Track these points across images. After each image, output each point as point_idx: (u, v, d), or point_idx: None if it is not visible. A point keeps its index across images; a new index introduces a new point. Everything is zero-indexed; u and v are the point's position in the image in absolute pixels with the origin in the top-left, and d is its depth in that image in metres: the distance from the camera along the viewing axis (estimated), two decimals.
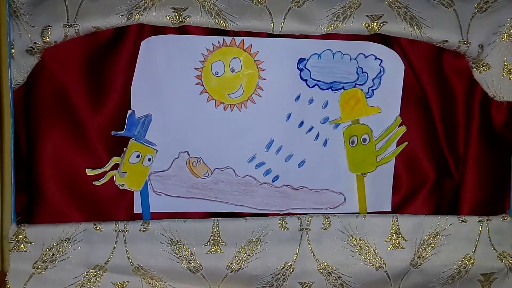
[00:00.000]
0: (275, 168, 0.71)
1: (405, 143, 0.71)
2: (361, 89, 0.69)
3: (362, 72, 0.69)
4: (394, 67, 0.69)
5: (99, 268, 0.66)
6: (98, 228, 0.65)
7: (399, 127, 0.70)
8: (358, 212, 0.71)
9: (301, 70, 0.69)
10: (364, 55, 0.69)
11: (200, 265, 0.67)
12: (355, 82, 0.69)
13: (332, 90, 0.69)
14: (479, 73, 0.69)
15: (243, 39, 0.68)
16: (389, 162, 0.71)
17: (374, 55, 0.69)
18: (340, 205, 0.72)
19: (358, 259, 0.68)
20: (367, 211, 0.71)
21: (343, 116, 0.70)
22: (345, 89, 0.70)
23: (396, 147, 0.71)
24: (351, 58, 0.69)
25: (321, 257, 0.68)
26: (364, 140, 0.70)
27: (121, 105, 0.68)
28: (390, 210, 0.72)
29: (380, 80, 0.69)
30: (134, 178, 0.68)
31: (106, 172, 0.67)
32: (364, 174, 0.71)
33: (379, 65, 0.69)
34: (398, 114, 0.70)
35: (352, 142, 0.70)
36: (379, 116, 0.70)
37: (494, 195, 0.72)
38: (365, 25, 0.64)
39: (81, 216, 0.68)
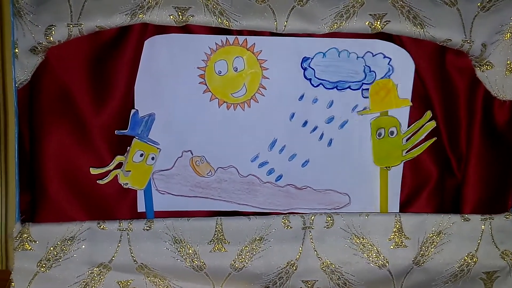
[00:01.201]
0: (278, 168, 0.71)
1: (434, 139, 0.69)
2: (366, 94, 0.69)
3: (370, 71, 0.68)
4: (404, 65, 0.69)
5: (103, 266, 0.66)
6: (102, 227, 0.66)
7: (428, 122, 0.69)
8: (363, 212, 0.71)
9: (305, 69, 0.69)
10: (372, 53, 0.68)
11: (204, 264, 0.67)
12: (362, 81, 0.69)
13: (338, 89, 0.69)
14: (482, 72, 0.69)
15: (246, 38, 0.68)
16: (399, 164, 0.70)
17: (383, 54, 0.68)
18: (345, 205, 0.72)
19: (361, 258, 0.68)
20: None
21: (372, 107, 0.68)
22: (351, 89, 0.69)
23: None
24: (358, 57, 0.68)
25: (324, 255, 0.68)
26: (392, 133, 0.68)
27: (124, 104, 0.68)
28: (398, 211, 0.72)
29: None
30: (138, 177, 0.68)
31: (110, 171, 0.67)
32: (389, 167, 0.70)
33: (388, 63, 0.68)
34: (408, 114, 0.70)
35: (379, 135, 0.69)
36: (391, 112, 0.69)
37: (496, 193, 0.73)
38: (368, 24, 0.65)
39: (85, 215, 0.69)
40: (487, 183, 0.72)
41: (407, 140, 0.69)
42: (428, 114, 0.69)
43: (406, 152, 0.70)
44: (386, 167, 0.70)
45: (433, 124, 0.68)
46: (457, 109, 0.72)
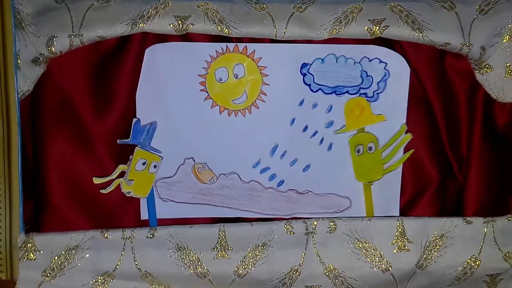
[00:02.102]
0: (280, 173, 0.71)
1: (411, 151, 0.71)
2: (366, 98, 0.69)
3: (367, 76, 0.69)
4: (400, 70, 0.69)
5: (107, 275, 0.67)
6: (105, 235, 0.66)
7: (405, 134, 0.70)
8: (365, 216, 0.71)
9: (304, 74, 0.69)
10: (369, 58, 0.69)
11: (207, 271, 0.67)
12: (360, 86, 0.69)
13: (336, 94, 0.70)
14: (482, 74, 0.69)
15: (246, 45, 0.68)
16: (397, 169, 0.71)
17: (379, 59, 0.69)
18: (346, 209, 0.72)
19: (364, 262, 0.68)
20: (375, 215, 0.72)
21: (348, 125, 0.70)
22: (349, 93, 0.70)
23: (403, 154, 0.71)
24: (355, 62, 0.69)
25: (327, 260, 0.68)
26: (370, 148, 0.70)
27: (126, 113, 0.68)
28: (398, 215, 0.72)
29: (386, 83, 0.69)
30: (141, 185, 0.68)
31: (112, 180, 0.67)
32: (371, 182, 0.71)
33: (384, 68, 0.69)
34: (405, 118, 0.70)
35: (358, 151, 0.70)
36: (385, 121, 0.70)
37: (498, 196, 0.72)
38: (367, 29, 0.65)
39: (88, 223, 0.69)
40: (489, 185, 0.72)
41: (386, 154, 0.71)
42: (403, 127, 0.70)
43: (387, 166, 0.71)
44: (368, 182, 0.71)
45: (409, 136, 0.70)
46: (458, 112, 0.72)
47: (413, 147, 0.71)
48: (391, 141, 0.71)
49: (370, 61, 0.69)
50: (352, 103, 0.70)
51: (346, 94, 0.70)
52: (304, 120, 0.70)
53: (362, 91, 0.70)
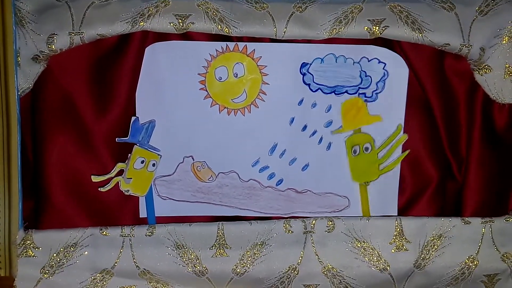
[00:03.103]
0: (279, 172, 0.71)
1: (407, 151, 0.71)
2: (364, 98, 0.70)
3: (366, 76, 0.69)
4: (398, 70, 0.70)
5: (105, 272, 0.67)
6: (104, 233, 0.66)
7: (401, 134, 0.71)
8: (363, 216, 0.72)
9: (304, 74, 0.69)
10: (368, 58, 0.69)
11: (206, 269, 0.67)
12: (359, 86, 0.70)
13: (336, 94, 0.70)
14: (481, 75, 0.69)
15: (246, 45, 0.68)
16: (394, 169, 0.71)
17: (378, 59, 0.69)
18: (344, 208, 0.72)
19: (362, 262, 0.69)
20: (372, 215, 0.72)
21: (344, 126, 0.70)
22: (348, 93, 0.70)
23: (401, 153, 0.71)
24: (354, 62, 0.69)
25: (326, 259, 0.69)
26: (366, 149, 0.70)
27: (126, 111, 0.69)
28: (396, 214, 0.72)
29: (384, 83, 0.70)
30: (139, 183, 0.69)
31: (111, 178, 0.67)
32: (367, 183, 0.71)
33: (383, 68, 0.69)
34: (403, 118, 0.71)
35: (354, 152, 0.70)
36: (383, 121, 0.70)
37: (496, 196, 0.73)
38: (367, 29, 0.65)
39: (87, 221, 0.69)
40: (488, 186, 0.72)
41: (382, 155, 0.71)
42: (399, 127, 0.70)
43: (383, 167, 0.71)
44: (364, 183, 0.72)
45: (405, 137, 0.70)
46: (457, 113, 0.73)
47: (412, 147, 0.72)
48: (388, 141, 0.71)
49: (369, 61, 0.69)
50: (348, 104, 0.70)
51: (345, 93, 0.70)
52: (303, 120, 0.70)
53: (361, 91, 0.70)
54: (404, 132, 0.71)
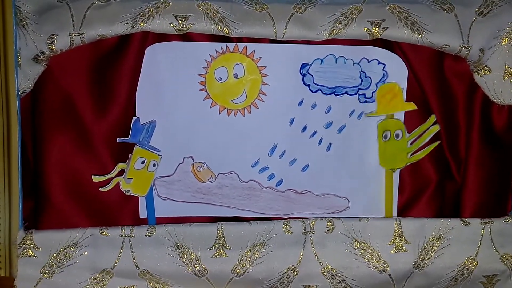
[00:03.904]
0: (278, 173, 0.71)
1: (437, 142, 0.70)
2: (364, 98, 0.70)
3: (366, 77, 0.70)
4: (397, 71, 0.70)
5: (105, 272, 0.67)
6: (104, 233, 0.66)
7: (433, 125, 0.70)
8: (363, 216, 0.71)
9: (304, 75, 0.69)
10: (367, 59, 0.69)
11: (205, 269, 0.67)
12: (359, 87, 0.70)
13: (335, 95, 0.70)
14: (480, 76, 0.69)
15: (246, 45, 0.68)
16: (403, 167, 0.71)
17: (377, 60, 0.69)
18: (344, 209, 0.72)
19: (361, 262, 0.69)
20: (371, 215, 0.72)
21: (378, 110, 0.70)
22: (348, 94, 0.70)
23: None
24: (354, 63, 0.69)
25: (325, 260, 0.69)
26: (397, 135, 0.70)
27: (126, 111, 0.69)
28: (396, 215, 0.73)
29: (384, 84, 0.70)
30: (140, 184, 0.69)
31: (111, 178, 0.67)
32: (394, 169, 0.71)
33: (383, 69, 0.69)
34: (403, 118, 0.71)
35: (385, 137, 0.70)
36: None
37: (496, 197, 0.73)
38: (366, 30, 0.65)
39: (87, 221, 0.69)
40: (487, 187, 0.72)
41: (411, 143, 0.70)
42: (432, 117, 0.70)
43: (411, 155, 0.71)
44: (391, 169, 0.71)
45: (437, 127, 0.70)
46: (456, 114, 0.73)
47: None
48: (419, 130, 0.70)
49: (369, 62, 0.69)
50: (385, 88, 0.69)
51: (345, 94, 0.70)
52: (303, 120, 0.71)
53: (360, 91, 0.70)
54: (437, 123, 0.70)
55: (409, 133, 0.71)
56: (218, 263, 0.67)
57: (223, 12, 0.64)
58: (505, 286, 0.71)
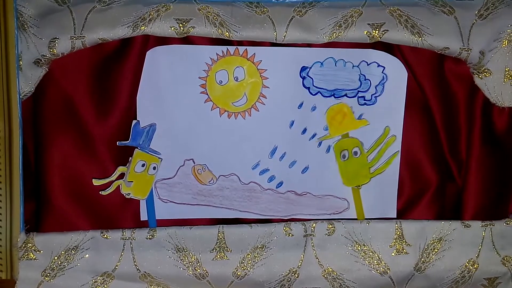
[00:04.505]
0: (279, 175, 0.72)
1: (397, 152, 0.71)
2: (364, 101, 0.70)
3: (365, 79, 0.70)
4: (397, 73, 0.70)
5: (106, 275, 0.67)
6: (105, 236, 0.66)
7: (389, 137, 0.71)
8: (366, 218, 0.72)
9: (303, 78, 0.69)
10: (367, 62, 0.69)
11: (206, 272, 0.68)
12: (358, 89, 0.70)
13: (335, 97, 0.70)
14: (481, 79, 0.69)
15: (246, 48, 0.69)
16: (391, 171, 0.71)
17: (377, 62, 0.69)
18: (344, 210, 0.72)
19: (362, 265, 0.69)
20: (371, 217, 0.72)
21: (331, 132, 0.71)
22: (348, 96, 0.70)
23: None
24: (353, 66, 0.69)
25: (326, 262, 0.69)
26: (355, 153, 0.71)
27: (127, 114, 0.69)
28: (395, 216, 0.73)
29: (383, 87, 0.70)
30: (140, 187, 0.69)
31: (112, 181, 0.67)
32: (359, 186, 0.72)
33: (382, 72, 0.70)
34: (402, 121, 0.71)
35: (344, 156, 0.71)
36: (386, 125, 0.71)
37: (496, 199, 0.73)
38: (366, 33, 0.65)
39: (88, 224, 0.69)
40: (488, 189, 0.72)
41: (372, 158, 0.71)
42: (387, 130, 0.71)
43: (374, 170, 0.71)
44: (356, 186, 0.72)
45: (394, 138, 0.71)
46: (457, 116, 0.73)
47: (412, 151, 0.72)
48: (376, 144, 0.71)
49: (368, 65, 0.69)
50: (333, 110, 0.70)
51: (345, 97, 0.70)
52: (303, 123, 0.71)
53: (360, 94, 0.70)
54: (393, 135, 0.71)
55: (405, 135, 0.71)
56: (218, 265, 0.68)
57: (224, 15, 0.65)
58: None
